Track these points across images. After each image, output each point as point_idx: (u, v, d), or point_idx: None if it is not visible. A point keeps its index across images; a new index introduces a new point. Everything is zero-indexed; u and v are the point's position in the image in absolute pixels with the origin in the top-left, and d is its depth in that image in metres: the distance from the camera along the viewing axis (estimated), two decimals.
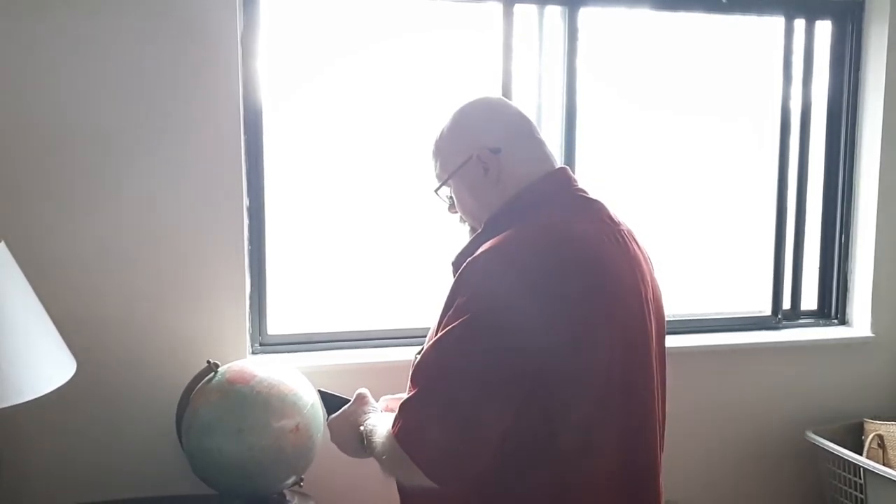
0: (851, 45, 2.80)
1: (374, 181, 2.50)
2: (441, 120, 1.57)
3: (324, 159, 2.47)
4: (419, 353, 1.52)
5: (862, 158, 2.82)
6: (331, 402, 1.64)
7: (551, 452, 1.32)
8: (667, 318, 1.56)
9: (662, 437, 1.52)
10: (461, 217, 1.58)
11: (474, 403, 1.26)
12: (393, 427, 1.32)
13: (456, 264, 1.45)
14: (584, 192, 1.48)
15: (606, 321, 1.33)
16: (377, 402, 1.66)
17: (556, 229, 1.36)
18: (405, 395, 1.69)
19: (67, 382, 1.55)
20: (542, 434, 1.31)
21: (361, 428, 1.49)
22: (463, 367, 1.28)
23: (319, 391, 1.73)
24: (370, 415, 1.52)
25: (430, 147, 1.57)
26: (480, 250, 1.35)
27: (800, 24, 2.78)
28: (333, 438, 1.58)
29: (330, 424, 1.60)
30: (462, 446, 1.27)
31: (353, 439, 1.51)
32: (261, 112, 2.29)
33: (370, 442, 1.42)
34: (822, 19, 2.80)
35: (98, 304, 2.10)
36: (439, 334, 1.32)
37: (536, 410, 1.29)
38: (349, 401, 1.59)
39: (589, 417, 1.32)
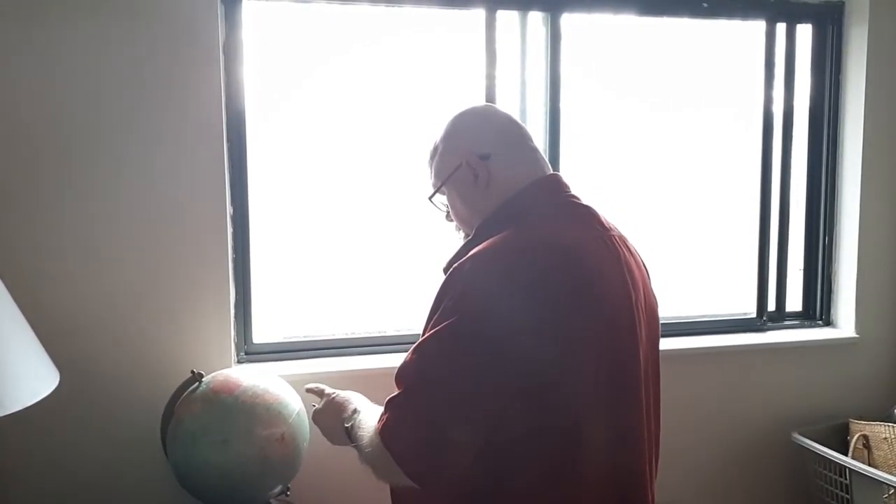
0: (832, 48, 2.83)
1: (359, 187, 2.50)
2: (431, 126, 1.58)
3: (308, 166, 2.47)
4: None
5: (844, 160, 2.84)
6: None
7: (537, 455, 1.32)
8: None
9: (657, 443, 1.52)
10: (456, 225, 1.59)
11: (457, 405, 1.27)
12: (378, 422, 1.32)
13: (447, 271, 1.45)
14: (576, 197, 1.49)
15: (593, 327, 1.33)
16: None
17: (543, 235, 1.36)
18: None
19: (51, 394, 1.53)
20: (526, 437, 1.31)
21: (347, 426, 1.49)
22: (447, 369, 1.28)
23: None
24: (356, 410, 1.51)
25: (426, 155, 1.59)
26: (468, 255, 1.35)
27: (781, 27, 2.80)
28: (318, 425, 1.61)
29: (316, 417, 1.62)
30: (443, 448, 1.27)
31: (340, 433, 1.52)
32: (244, 119, 2.29)
33: (357, 434, 1.42)
34: (803, 23, 2.83)
35: (80, 314, 2.09)
36: (426, 334, 1.32)
37: (520, 413, 1.29)
38: None
39: (574, 422, 1.32)
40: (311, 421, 1.65)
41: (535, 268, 1.30)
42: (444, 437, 1.27)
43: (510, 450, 1.31)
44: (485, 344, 1.26)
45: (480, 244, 1.37)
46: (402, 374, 1.33)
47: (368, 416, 1.43)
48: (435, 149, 1.57)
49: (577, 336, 1.31)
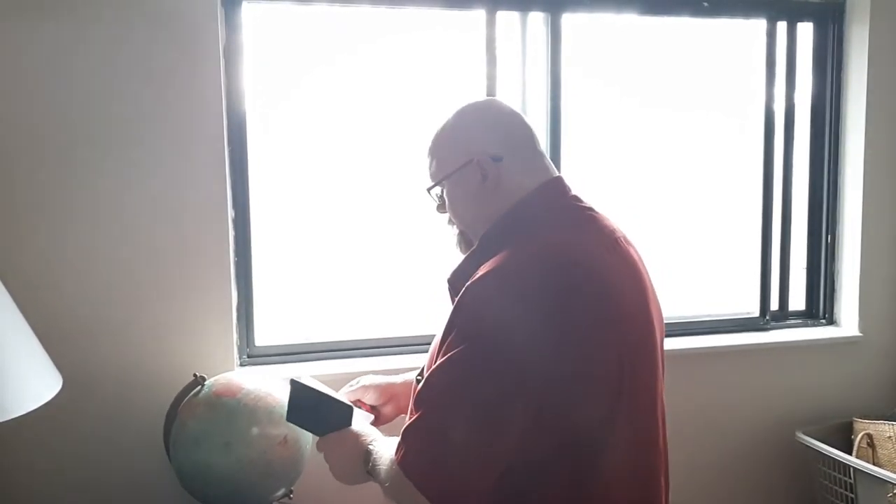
0: (833, 47, 2.82)
1: (361, 188, 2.50)
2: (439, 118, 1.52)
3: (310, 168, 2.47)
4: (419, 374, 1.50)
5: (846, 158, 2.83)
6: (302, 400, 1.53)
7: (559, 473, 1.30)
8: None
9: (666, 449, 1.50)
10: (450, 219, 1.55)
11: (478, 429, 1.25)
12: (396, 454, 1.30)
13: (452, 283, 1.43)
14: (579, 199, 1.46)
15: (613, 339, 1.30)
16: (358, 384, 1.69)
17: (555, 249, 1.33)
18: (387, 379, 1.70)
19: (54, 398, 1.54)
20: (548, 455, 1.29)
21: (370, 447, 1.43)
22: (466, 393, 1.26)
23: (292, 381, 1.56)
24: (374, 441, 1.46)
25: (428, 143, 1.52)
26: (479, 273, 1.32)
27: (782, 26, 2.80)
28: (330, 458, 1.50)
29: (324, 447, 1.51)
30: (464, 474, 1.25)
31: (351, 467, 1.45)
32: (245, 122, 2.29)
33: (375, 469, 1.38)
34: (804, 21, 2.82)
35: (83, 319, 2.09)
36: (442, 359, 1.29)
37: (540, 434, 1.27)
38: (330, 396, 1.53)
39: (596, 438, 1.30)
40: (317, 448, 1.54)
41: (552, 288, 1.27)
42: (465, 463, 1.25)
43: (532, 469, 1.29)
44: (502, 368, 1.24)
45: (488, 258, 1.35)
46: (419, 401, 1.30)
47: (384, 448, 1.39)
48: (440, 138, 1.50)
49: (598, 353, 1.29)
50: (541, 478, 1.30)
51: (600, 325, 1.29)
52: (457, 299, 1.33)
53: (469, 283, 1.32)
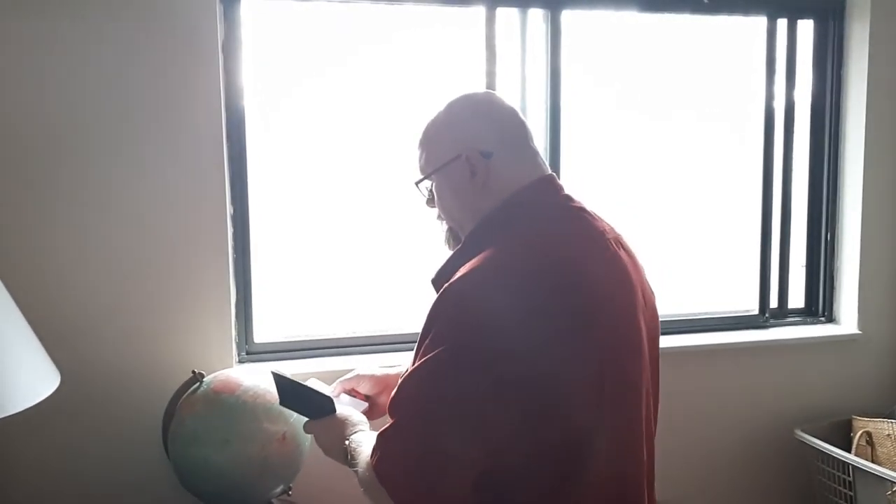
0: (833, 44, 2.82)
1: (360, 185, 2.50)
2: (433, 111, 1.49)
3: (309, 164, 2.46)
4: (402, 376, 1.49)
5: (846, 156, 2.83)
6: (287, 389, 1.60)
7: (538, 476, 1.28)
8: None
9: (652, 443, 1.48)
10: (439, 214, 1.52)
11: (452, 435, 1.22)
12: (371, 457, 1.28)
13: (436, 283, 1.40)
14: (571, 199, 1.43)
15: (595, 345, 1.27)
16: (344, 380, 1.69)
17: (538, 249, 1.30)
18: (382, 369, 1.69)
19: (52, 395, 1.54)
20: (526, 459, 1.27)
21: (346, 443, 1.44)
22: (441, 398, 1.23)
23: (273, 374, 1.62)
24: (357, 431, 1.47)
25: (419, 135, 1.49)
26: (458, 274, 1.29)
27: (782, 23, 2.79)
28: (318, 443, 1.55)
29: (311, 430, 1.55)
30: (441, 479, 1.23)
31: (338, 452, 1.46)
32: (244, 118, 2.28)
33: (354, 463, 1.38)
34: (805, 18, 2.82)
35: (81, 315, 2.09)
36: (418, 362, 1.26)
37: (519, 438, 1.24)
38: (307, 387, 1.57)
39: (577, 440, 1.28)
40: (304, 430, 1.59)
41: (531, 290, 1.24)
42: (439, 470, 1.23)
43: (509, 476, 1.27)
44: (478, 373, 1.20)
45: (473, 257, 1.31)
46: (394, 406, 1.28)
47: (365, 441, 1.39)
48: (431, 131, 1.47)
49: (578, 357, 1.25)
50: (518, 485, 1.28)
51: (582, 329, 1.26)
52: (435, 300, 1.30)
53: (447, 283, 1.29)
